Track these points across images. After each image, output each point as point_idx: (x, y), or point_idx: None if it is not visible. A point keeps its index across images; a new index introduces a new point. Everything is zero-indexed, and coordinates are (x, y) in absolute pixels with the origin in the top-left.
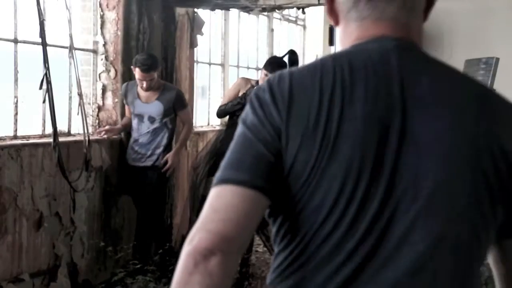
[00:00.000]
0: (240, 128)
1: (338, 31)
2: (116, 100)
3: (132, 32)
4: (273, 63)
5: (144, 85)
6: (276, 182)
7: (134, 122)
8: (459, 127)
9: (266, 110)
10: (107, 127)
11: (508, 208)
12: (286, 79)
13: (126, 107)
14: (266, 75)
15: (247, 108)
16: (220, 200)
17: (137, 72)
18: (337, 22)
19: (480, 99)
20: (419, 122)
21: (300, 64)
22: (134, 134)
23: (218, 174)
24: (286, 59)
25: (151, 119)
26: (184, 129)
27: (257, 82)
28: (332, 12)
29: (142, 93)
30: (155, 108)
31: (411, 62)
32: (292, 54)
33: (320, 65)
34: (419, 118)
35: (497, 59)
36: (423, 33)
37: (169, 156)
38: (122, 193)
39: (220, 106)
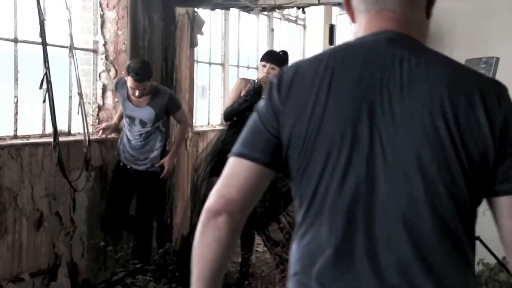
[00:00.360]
0: (254, 111)
1: (354, 26)
2: (116, 99)
3: (139, 32)
4: (270, 54)
5: (137, 93)
6: (278, 156)
7: (126, 121)
8: (428, 104)
9: (272, 94)
10: (103, 125)
11: (482, 169)
12: (293, 68)
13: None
14: (263, 65)
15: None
16: (228, 169)
17: (129, 80)
18: (353, 19)
19: (448, 80)
20: (395, 101)
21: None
22: (127, 133)
23: (233, 148)
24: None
25: (142, 123)
26: (179, 129)
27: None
28: (349, 9)
29: (135, 96)
30: (146, 113)
31: (398, 52)
32: (284, 54)
33: (320, 55)
34: (396, 98)
35: (497, 59)
36: (424, 27)
37: (165, 161)
38: (116, 192)
39: (226, 109)
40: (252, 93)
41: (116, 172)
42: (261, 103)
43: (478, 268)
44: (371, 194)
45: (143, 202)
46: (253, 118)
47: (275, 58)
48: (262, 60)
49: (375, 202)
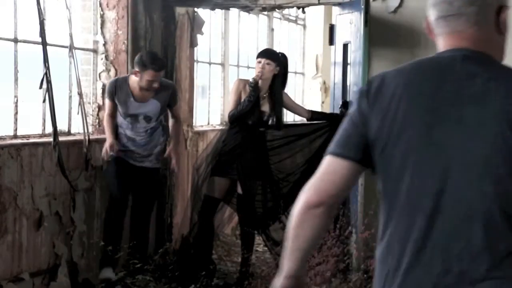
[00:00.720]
0: (347, 115)
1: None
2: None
3: (140, 32)
4: (264, 50)
5: (156, 85)
6: (368, 155)
7: (125, 121)
8: (498, 115)
9: (361, 101)
10: (108, 147)
11: None
12: (379, 78)
13: (108, 104)
14: (259, 62)
15: (356, 99)
16: (324, 166)
17: (147, 74)
18: (434, 39)
19: None
20: (469, 112)
21: (289, 65)
22: (127, 132)
23: (328, 148)
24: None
25: (148, 119)
26: (176, 125)
27: (260, 78)
28: (430, 31)
29: (137, 92)
30: (152, 107)
31: (471, 68)
32: (283, 57)
33: (403, 68)
34: (469, 109)
35: None
36: (497, 43)
37: (172, 151)
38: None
39: (230, 112)
40: (253, 94)
41: (116, 165)
42: (352, 109)
43: None
44: (444, 191)
45: (143, 199)
46: (345, 121)
47: (269, 53)
48: (257, 57)
49: (448, 199)
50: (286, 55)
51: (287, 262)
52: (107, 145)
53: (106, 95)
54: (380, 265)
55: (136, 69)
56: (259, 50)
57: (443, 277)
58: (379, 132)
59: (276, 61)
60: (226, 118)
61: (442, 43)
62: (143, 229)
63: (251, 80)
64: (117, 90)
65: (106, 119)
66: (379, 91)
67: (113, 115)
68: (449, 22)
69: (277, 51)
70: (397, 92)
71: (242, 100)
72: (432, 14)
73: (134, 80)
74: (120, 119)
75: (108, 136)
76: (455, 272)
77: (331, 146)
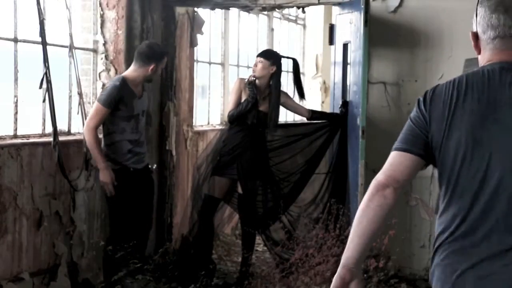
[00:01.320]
0: (408, 119)
1: (479, 56)
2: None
3: (136, 31)
4: (262, 51)
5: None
6: (428, 150)
7: (129, 124)
8: None
9: (420, 106)
10: (108, 180)
11: None
12: (431, 90)
13: (102, 114)
14: (260, 62)
15: (415, 105)
16: (393, 158)
17: (163, 63)
18: (479, 52)
19: None
20: (506, 115)
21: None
22: (131, 136)
23: (394, 145)
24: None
25: (143, 113)
26: None
27: (253, 77)
28: (477, 46)
29: (137, 89)
30: (146, 99)
31: (508, 77)
32: (295, 64)
33: (451, 81)
34: (506, 112)
35: None
36: None
37: None
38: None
39: (230, 112)
40: (252, 94)
41: (123, 182)
42: (413, 113)
43: None
44: (490, 179)
45: (148, 198)
46: (408, 124)
47: (264, 52)
48: (259, 56)
49: (492, 185)
50: (297, 61)
51: (346, 251)
52: (106, 179)
53: (103, 103)
54: (439, 235)
55: (152, 63)
56: (259, 50)
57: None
58: (434, 133)
59: (270, 59)
60: (226, 118)
61: (487, 57)
62: (149, 228)
63: (246, 80)
64: (123, 95)
65: (92, 136)
66: (432, 100)
67: (97, 127)
68: (503, 42)
69: (274, 51)
70: (447, 100)
71: (243, 100)
72: (489, 34)
73: (131, 76)
74: (122, 124)
75: (102, 161)
76: (496, 239)
77: (397, 143)
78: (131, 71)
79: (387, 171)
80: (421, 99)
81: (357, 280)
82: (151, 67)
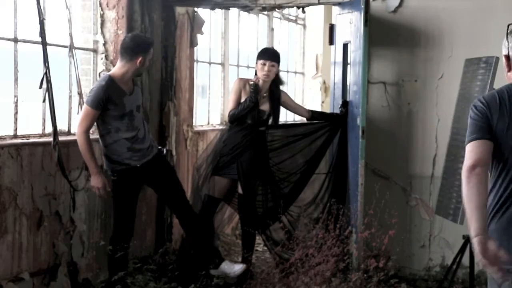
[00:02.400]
0: (469, 119)
1: (509, 73)
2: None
3: (136, 31)
4: (269, 53)
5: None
6: (492, 136)
7: (123, 123)
8: None
9: (479, 107)
10: (100, 187)
11: None
12: (484, 96)
13: (91, 116)
14: (263, 64)
15: (471, 109)
16: (471, 147)
17: (150, 54)
18: (509, 70)
19: None
20: None
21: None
22: (127, 135)
23: (467, 139)
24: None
25: (138, 108)
26: None
27: (255, 78)
28: (508, 65)
29: (127, 85)
30: (138, 94)
31: None
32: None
33: (494, 92)
34: None
35: (497, 58)
36: None
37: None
38: (131, 198)
39: (231, 111)
40: (254, 95)
41: (131, 181)
42: (474, 114)
43: (478, 267)
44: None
45: (173, 180)
46: (472, 122)
47: (274, 55)
48: (260, 58)
49: None
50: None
51: (472, 224)
52: (97, 184)
53: (91, 104)
54: (490, 203)
55: (139, 56)
56: (259, 49)
57: None
58: (498, 123)
59: (279, 62)
60: (226, 118)
61: None
62: (190, 207)
63: (251, 82)
64: (110, 94)
65: (84, 139)
66: (489, 102)
67: (89, 130)
68: None
69: (276, 50)
70: (495, 106)
71: (243, 99)
72: None
73: (119, 73)
74: (115, 124)
75: (93, 167)
76: None
77: (469, 137)
78: (118, 68)
79: (470, 158)
80: (479, 102)
81: (491, 241)
82: (139, 60)
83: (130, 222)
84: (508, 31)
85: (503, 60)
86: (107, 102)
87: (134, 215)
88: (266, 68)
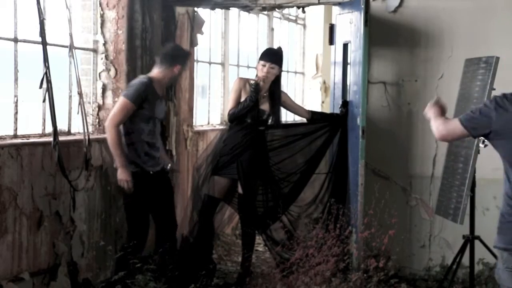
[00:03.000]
0: (483, 106)
1: None
2: (116, 99)
3: (136, 31)
4: (270, 54)
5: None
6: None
7: (147, 126)
8: None
9: (498, 102)
10: (128, 181)
11: None
12: (503, 96)
13: (128, 109)
14: (263, 65)
15: (488, 101)
16: (449, 124)
17: (187, 65)
18: None
19: None
20: None
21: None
22: (149, 139)
23: (462, 116)
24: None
25: (162, 118)
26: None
27: (255, 78)
28: None
29: (160, 91)
30: (165, 107)
31: None
32: (280, 50)
33: (505, 94)
34: None
35: (497, 58)
36: None
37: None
38: (142, 203)
39: (230, 111)
40: (254, 95)
41: (142, 185)
42: (484, 106)
43: (478, 267)
44: None
45: (170, 198)
46: (481, 110)
47: (275, 57)
48: (261, 59)
49: None
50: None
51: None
52: (126, 177)
53: (130, 98)
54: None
55: (178, 64)
56: (259, 49)
57: None
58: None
59: (280, 63)
60: (226, 117)
61: None
62: (175, 229)
63: (251, 81)
64: (148, 94)
65: (116, 132)
66: (505, 103)
67: (120, 124)
68: None
69: (278, 51)
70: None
71: (242, 99)
72: None
73: (157, 77)
74: (141, 125)
75: (122, 160)
76: None
77: (463, 116)
78: (156, 72)
79: (440, 128)
80: (503, 98)
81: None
82: (177, 67)
83: (143, 230)
84: None
85: None
86: (144, 100)
87: (148, 223)
88: (265, 69)
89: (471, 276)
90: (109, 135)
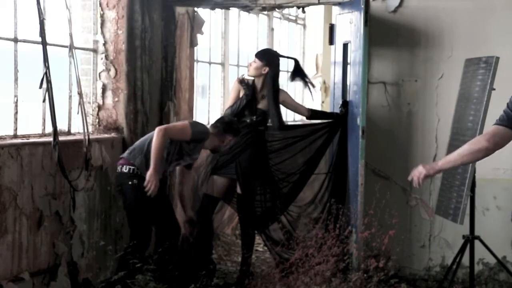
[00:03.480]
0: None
1: None
2: (116, 99)
3: (136, 31)
4: (262, 53)
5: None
6: None
7: (175, 155)
8: None
9: None
10: (156, 184)
11: None
12: None
13: (183, 134)
14: (254, 62)
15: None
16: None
17: (231, 139)
18: None
19: None
20: None
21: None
22: (168, 161)
23: (497, 122)
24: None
25: (192, 160)
26: None
27: (242, 75)
28: None
29: (205, 146)
30: (195, 158)
31: None
32: (296, 65)
33: None
34: None
35: (497, 58)
36: None
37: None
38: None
39: (226, 109)
40: (246, 92)
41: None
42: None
43: (478, 267)
44: None
45: (168, 202)
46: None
47: (258, 52)
48: (257, 57)
49: None
50: (278, 53)
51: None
52: (156, 179)
53: (192, 128)
54: None
55: (229, 135)
56: (259, 49)
57: None
58: None
59: (264, 60)
60: None
61: None
62: (179, 231)
63: (240, 77)
64: (203, 141)
65: (164, 141)
66: None
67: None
68: None
69: (272, 51)
70: None
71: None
72: None
73: (211, 139)
74: (172, 150)
75: (158, 164)
76: None
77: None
78: (212, 134)
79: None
80: None
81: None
82: (228, 139)
83: (147, 230)
84: None
85: None
86: (197, 141)
87: (151, 226)
88: (253, 64)
89: (471, 276)
90: (158, 140)
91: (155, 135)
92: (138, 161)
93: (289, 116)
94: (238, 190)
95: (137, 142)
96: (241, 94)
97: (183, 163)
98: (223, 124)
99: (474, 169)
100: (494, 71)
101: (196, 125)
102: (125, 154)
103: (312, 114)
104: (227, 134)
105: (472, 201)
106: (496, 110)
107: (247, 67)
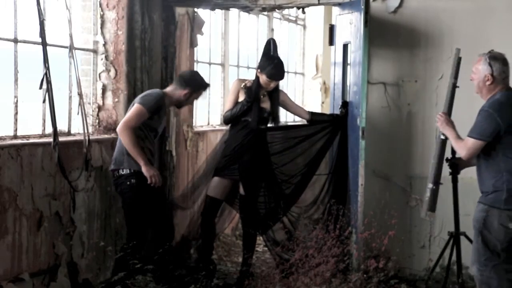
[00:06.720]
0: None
1: (488, 87)
2: (116, 99)
3: (136, 32)
4: (278, 74)
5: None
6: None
7: (150, 135)
8: None
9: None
10: (156, 174)
11: None
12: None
13: (142, 115)
14: (270, 81)
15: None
16: (466, 144)
17: (199, 94)
18: (491, 84)
19: None
20: None
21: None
22: (150, 146)
23: (471, 133)
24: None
25: (162, 132)
26: None
27: (256, 80)
28: (492, 82)
29: (167, 106)
30: (165, 120)
31: None
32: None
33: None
34: None
35: (458, 50)
36: None
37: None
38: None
39: (226, 112)
40: (248, 98)
41: (143, 188)
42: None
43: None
44: None
45: (163, 202)
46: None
47: (282, 77)
48: (270, 76)
49: None
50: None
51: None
52: (154, 171)
53: (147, 107)
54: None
55: (187, 88)
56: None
57: None
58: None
59: (262, 71)
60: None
61: (501, 88)
62: (173, 233)
63: (242, 85)
64: (160, 106)
65: (132, 135)
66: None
67: (135, 129)
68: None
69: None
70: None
71: (240, 99)
72: (506, 75)
73: (170, 95)
74: (146, 132)
75: (143, 158)
76: None
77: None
78: (170, 90)
79: (462, 149)
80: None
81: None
82: (185, 92)
83: (144, 230)
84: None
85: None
86: (156, 111)
87: (147, 227)
88: (272, 84)
89: (458, 271)
90: (126, 137)
91: (120, 135)
92: (126, 162)
93: (289, 117)
94: (241, 191)
95: (114, 153)
96: (240, 97)
97: (160, 133)
98: (181, 77)
99: (439, 162)
100: (456, 63)
101: (146, 99)
102: (112, 166)
103: (312, 116)
104: (188, 86)
105: (456, 197)
106: None
107: (270, 87)
